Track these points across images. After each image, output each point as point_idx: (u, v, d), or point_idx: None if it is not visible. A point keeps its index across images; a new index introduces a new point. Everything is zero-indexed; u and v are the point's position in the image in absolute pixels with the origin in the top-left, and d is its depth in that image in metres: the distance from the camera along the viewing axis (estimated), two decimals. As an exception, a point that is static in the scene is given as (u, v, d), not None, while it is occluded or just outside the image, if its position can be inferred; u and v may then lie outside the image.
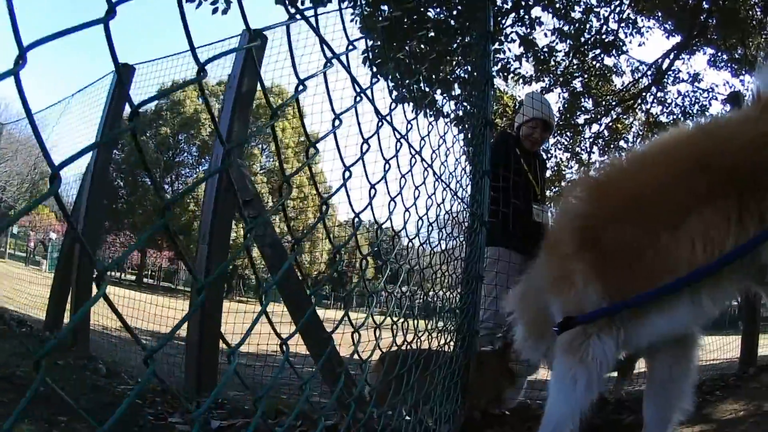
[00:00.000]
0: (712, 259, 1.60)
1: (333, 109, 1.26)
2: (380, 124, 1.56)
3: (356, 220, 1.38)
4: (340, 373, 1.70)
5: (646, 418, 2.12)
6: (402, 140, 1.78)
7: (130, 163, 31.75)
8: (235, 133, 3.61)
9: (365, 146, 1.42)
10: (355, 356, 1.45)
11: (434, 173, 2.31)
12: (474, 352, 3.03)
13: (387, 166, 1.62)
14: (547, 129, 4.90)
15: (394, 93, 1.97)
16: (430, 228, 2.28)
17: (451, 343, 2.77)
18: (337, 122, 1.24)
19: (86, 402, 2.78)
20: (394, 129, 1.72)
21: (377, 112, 1.54)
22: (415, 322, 2.31)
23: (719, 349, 5.58)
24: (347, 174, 1.30)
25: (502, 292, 4.22)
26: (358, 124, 1.41)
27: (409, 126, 1.91)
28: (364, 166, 1.43)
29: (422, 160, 2.09)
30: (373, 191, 1.49)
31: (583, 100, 12.19)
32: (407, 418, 2.01)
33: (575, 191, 2.06)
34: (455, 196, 2.91)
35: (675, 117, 11.72)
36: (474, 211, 3.19)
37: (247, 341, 1.00)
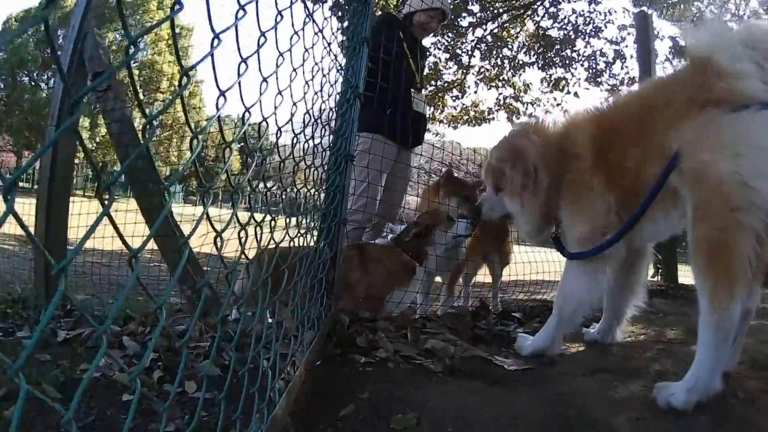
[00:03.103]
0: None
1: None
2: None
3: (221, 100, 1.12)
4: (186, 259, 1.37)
5: (605, 310, 2.70)
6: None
7: (11, 63, 33.02)
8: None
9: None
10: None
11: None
12: (341, 244, 2.72)
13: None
14: (444, 19, 4.93)
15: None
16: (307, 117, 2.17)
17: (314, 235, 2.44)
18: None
19: None
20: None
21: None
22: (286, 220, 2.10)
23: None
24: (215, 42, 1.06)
25: (375, 184, 4.03)
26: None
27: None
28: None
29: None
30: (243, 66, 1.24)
31: (470, 2, 11.92)
32: (270, 320, 1.88)
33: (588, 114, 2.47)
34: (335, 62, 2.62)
35: (566, 33, 11.86)
36: (348, 77, 2.78)
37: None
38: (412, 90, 4.42)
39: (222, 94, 1.10)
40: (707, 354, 1.78)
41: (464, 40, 12.61)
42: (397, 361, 2.28)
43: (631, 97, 2.58)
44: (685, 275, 4.65)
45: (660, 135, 2.05)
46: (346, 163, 2.65)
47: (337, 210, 2.60)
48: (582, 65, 12.26)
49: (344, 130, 2.68)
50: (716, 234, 1.76)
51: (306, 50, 2.00)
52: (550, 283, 4.81)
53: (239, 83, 1.18)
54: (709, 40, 2.00)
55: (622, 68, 11.98)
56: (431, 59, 12.31)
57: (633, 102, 2.39)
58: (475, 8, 12.06)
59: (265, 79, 1.43)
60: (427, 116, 5.12)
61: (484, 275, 4.72)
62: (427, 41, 12.06)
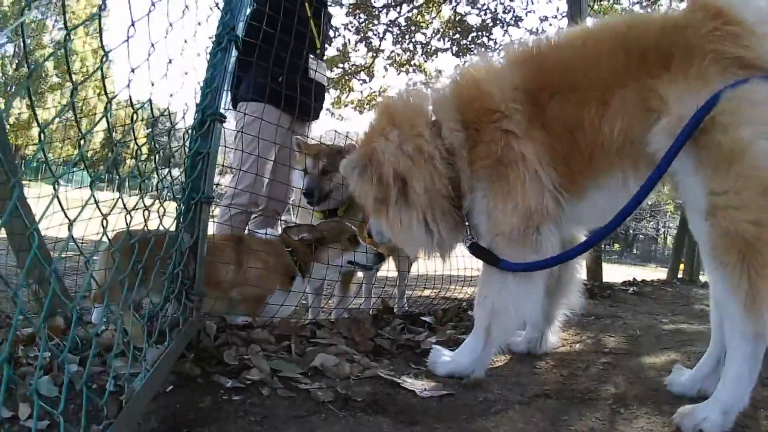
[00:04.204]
0: (628, 134, 1.74)
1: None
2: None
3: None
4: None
5: None
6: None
7: None
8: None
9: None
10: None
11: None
12: (204, 230, 2.10)
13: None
14: None
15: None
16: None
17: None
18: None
19: None
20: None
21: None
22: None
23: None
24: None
25: (262, 162, 3.41)
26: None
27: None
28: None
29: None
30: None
31: (384, -17, 11.50)
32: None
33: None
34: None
35: (484, 20, 11.63)
36: (224, 15, 2.16)
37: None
38: (311, 56, 3.83)
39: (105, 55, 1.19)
40: (746, 367, 1.54)
41: (376, 23, 12.14)
42: (275, 387, 1.75)
43: (590, 32, 2.05)
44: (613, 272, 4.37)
45: (648, 83, 1.71)
46: (212, 124, 2.03)
47: (199, 184, 1.98)
48: (499, 54, 12.07)
49: (213, 80, 2.07)
50: (750, 228, 1.50)
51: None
52: (458, 279, 4.30)
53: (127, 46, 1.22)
54: None
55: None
56: (340, 40, 11.81)
57: (597, 38, 1.93)
58: (390, -11, 11.62)
59: (153, 45, 1.45)
60: (326, 87, 4.51)
61: (387, 270, 4.14)
62: (336, 21, 11.68)
